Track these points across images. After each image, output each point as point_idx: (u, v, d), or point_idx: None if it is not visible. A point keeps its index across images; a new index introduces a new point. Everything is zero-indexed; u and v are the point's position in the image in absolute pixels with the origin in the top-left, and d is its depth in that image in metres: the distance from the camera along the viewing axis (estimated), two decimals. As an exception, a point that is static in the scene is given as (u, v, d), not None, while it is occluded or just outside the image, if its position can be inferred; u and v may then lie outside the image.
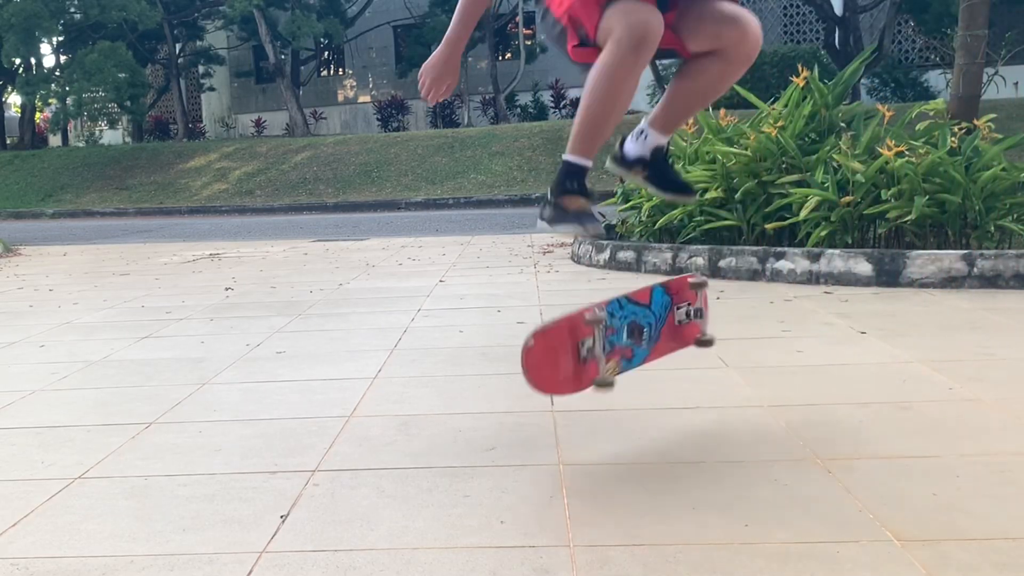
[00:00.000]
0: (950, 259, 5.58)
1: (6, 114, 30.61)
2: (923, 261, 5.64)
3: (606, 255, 7.15)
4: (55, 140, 31.35)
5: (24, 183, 20.79)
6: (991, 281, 5.48)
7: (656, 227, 7.13)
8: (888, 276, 5.71)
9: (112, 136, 29.95)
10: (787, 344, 4.32)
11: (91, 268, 9.07)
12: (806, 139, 6.81)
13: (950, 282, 5.55)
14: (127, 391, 3.99)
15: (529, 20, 25.87)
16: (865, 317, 4.84)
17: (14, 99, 34.52)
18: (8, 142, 28.53)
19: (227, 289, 6.97)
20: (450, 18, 3.30)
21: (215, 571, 2.20)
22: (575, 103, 24.78)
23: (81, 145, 26.04)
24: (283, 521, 2.47)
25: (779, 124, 6.72)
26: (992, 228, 5.89)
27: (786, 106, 6.93)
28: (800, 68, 7.03)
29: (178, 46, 26.54)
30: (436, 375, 4.02)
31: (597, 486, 2.62)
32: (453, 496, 2.61)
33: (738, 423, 3.14)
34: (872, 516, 2.32)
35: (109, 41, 20.89)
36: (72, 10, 21.17)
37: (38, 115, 30.78)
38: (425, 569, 2.16)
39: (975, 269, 5.52)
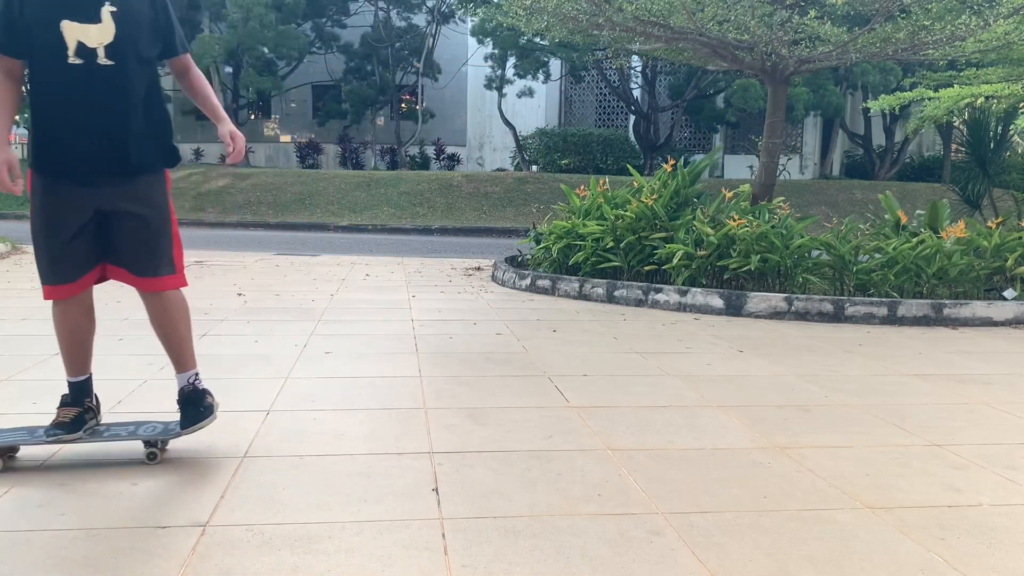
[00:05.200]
0: (776, 299, 6.10)
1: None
2: (758, 299, 6.13)
3: (527, 281, 7.34)
4: (16, 153, 28.59)
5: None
6: (802, 315, 6.02)
7: (568, 263, 7.38)
8: (734, 309, 6.18)
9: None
10: (696, 358, 4.60)
11: (103, 269, 8.41)
12: (670, 208, 7.24)
13: (776, 315, 6.06)
14: (226, 382, 3.82)
15: (423, 92, 25.70)
16: (734, 339, 5.21)
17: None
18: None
19: (239, 295, 6.69)
20: (359, 86, 3.06)
21: (413, 536, 2.24)
22: (451, 157, 24.92)
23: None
24: (437, 494, 2.52)
25: (654, 197, 7.12)
26: (799, 279, 6.47)
27: (660, 182, 7.34)
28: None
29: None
30: (464, 375, 4.03)
31: (647, 466, 2.79)
32: (545, 473, 2.72)
33: (707, 419, 3.38)
34: (840, 491, 2.61)
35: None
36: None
37: None
38: (562, 531, 2.28)
39: (792, 307, 6.06)
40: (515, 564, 2.06)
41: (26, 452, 2.79)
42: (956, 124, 12.38)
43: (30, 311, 5.59)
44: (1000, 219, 7.08)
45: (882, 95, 9.07)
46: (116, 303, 6.00)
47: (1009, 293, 6.38)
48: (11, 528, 2.21)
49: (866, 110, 18.74)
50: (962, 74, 8.73)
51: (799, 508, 2.46)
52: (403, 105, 24.57)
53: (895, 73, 18.91)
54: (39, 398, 3.45)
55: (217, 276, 7.95)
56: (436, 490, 2.54)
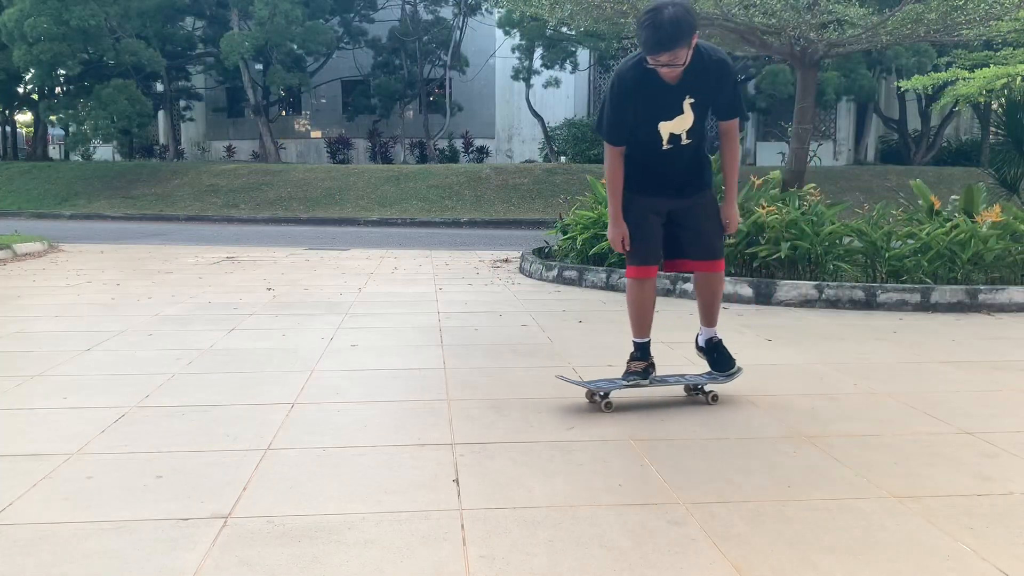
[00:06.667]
0: (806, 287, 6.00)
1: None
2: (788, 288, 6.04)
3: (554, 272, 7.31)
4: (52, 153, 29.21)
5: (42, 189, 19.34)
6: (833, 304, 5.92)
7: (590, 254, 7.34)
8: (763, 297, 6.09)
9: (103, 152, 28.18)
10: (723, 348, 4.54)
11: (136, 266, 8.55)
12: (698, 196, 7.14)
13: (806, 303, 5.97)
14: (252, 376, 3.87)
15: (451, 85, 25.72)
16: (762, 328, 5.14)
17: (20, 118, 32.00)
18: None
19: (268, 289, 6.77)
20: (388, 81, 3.23)
21: (432, 526, 2.24)
22: (480, 150, 24.92)
23: (79, 159, 24.40)
24: (458, 484, 2.52)
25: (681, 184, 7.03)
26: (830, 267, 6.35)
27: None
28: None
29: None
30: (488, 366, 4.03)
31: (670, 456, 2.76)
32: (565, 464, 2.70)
33: (732, 408, 3.34)
34: (867, 480, 2.56)
35: (120, 79, 19.79)
36: (91, 51, 19.87)
37: (28, 131, 28.71)
38: (581, 521, 2.26)
39: (823, 295, 5.96)
40: (534, 555, 2.05)
41: None
42: (994, 107, 12.04)
43: (63, 308, 5.71)
44: (1039, 202, 6.88)
45: (915, 76, 8.86)
46: (148, 299, 6.11)
47: (1049, 278, 6.20)
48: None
49: (901, 94, 18.31)
50: (999, 54, 8.48)
51: (824, 498, 2.41)
52: (431, 98, 24.61)
53: (929, 55, 18.47)
54: (69, 393, 3.52)
55: (247, 271, 8.06)
56: (456, 481, 2.54)
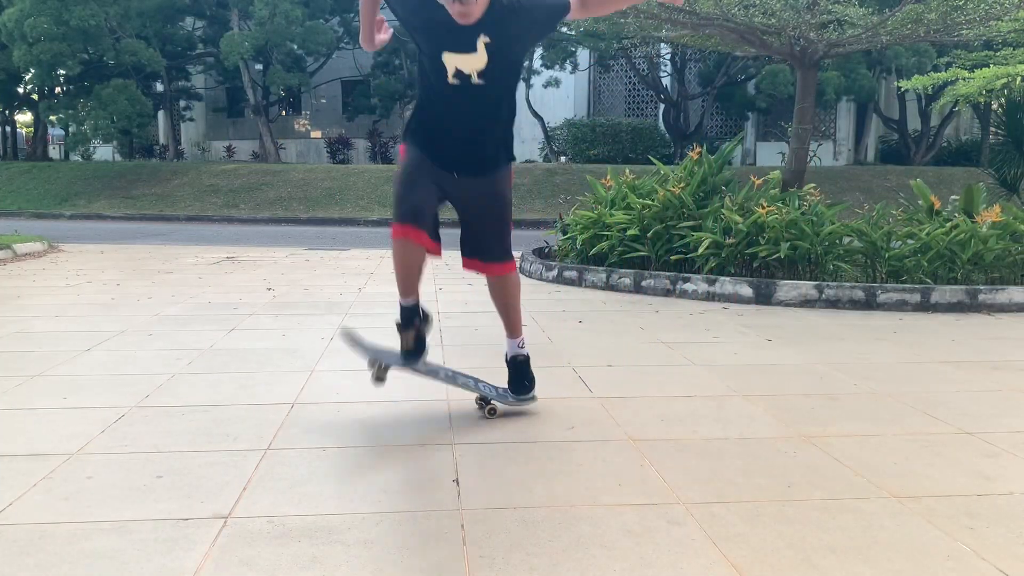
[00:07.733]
0: (806, 287, 6.00)
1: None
2: (788, 288, 6.04)
3: (554, 273, 7.31)
4: (52, 153, 29.18)
5: (42, 189, 19.32)
6: (833, 304, 5.92)
7: (590, 254, 7.34)
8: (763, 297, 6.09)
9: (103, 152, 28.18)
10: (723, 347, 4.55)
11: (136, 266, 8.55)
12: (697, 196, 7.15)
13: (806, 303, 5.96)
14: (252, 376, 3.87)
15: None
16: (763, 328, 5.14)
17: (20, 118, 32.01)
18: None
19: (268, 289, 6.76)
20: (388, 81, 3.18)
21: (432, 526, 2.24)
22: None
23: (79, 159, 24.41)
24: (458, 485, 2.52)
25: (681, 185, 7.04)
26: (830, 267, 6.35)
27: (686, 170, 7.26)
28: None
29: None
30: (488, 366, 3.96)
31: (670, 456, 2.76)
32: (566, 464, 2.71)
33: (732, 409, 3.34)
34: (867, 480, 2.56)
35: (120, 79, 19.81)
36: (91, 51, 19.85)
37: (28, 131, 28.72)
38: (581, 521, 2.26)
39: (823, 295, 5.96)
40: (534, 555, 2.05)
41: None
42: (994, 107, 12.06)
43: (63, 308, 5.71)
44: (1039, 202, 6.89)
45: (915, 76, 8.86)
46: (148, 299, 6.10)
47: (1049, 278, 6.20)
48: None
49: (901, 94, 18.31)
50: (998, 54, 8.48)
51: (824, 498, 2.41)
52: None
53: (929, 55, 18.48)
54: (69, 393, 3.52)
55: (247, 271, 8.05)
56: (456, 481, 2.54)
